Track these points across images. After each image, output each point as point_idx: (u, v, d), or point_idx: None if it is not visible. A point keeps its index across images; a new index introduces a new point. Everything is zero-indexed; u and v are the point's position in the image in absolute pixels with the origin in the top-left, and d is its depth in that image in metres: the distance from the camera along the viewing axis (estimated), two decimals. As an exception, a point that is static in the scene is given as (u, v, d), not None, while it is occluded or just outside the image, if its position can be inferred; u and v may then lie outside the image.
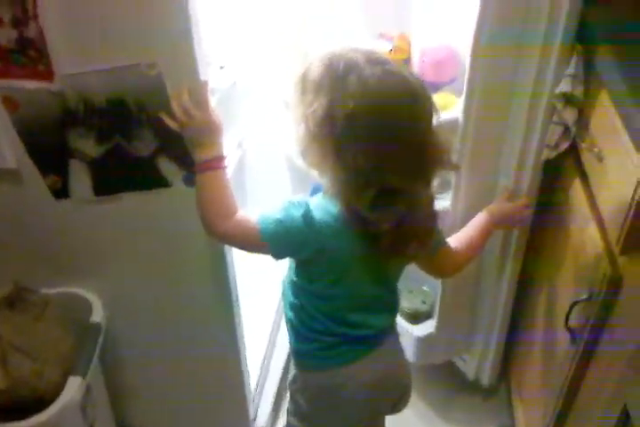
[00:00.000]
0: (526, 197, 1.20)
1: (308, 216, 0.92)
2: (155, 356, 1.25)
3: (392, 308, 1.08)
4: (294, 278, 1.01)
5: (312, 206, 0.93)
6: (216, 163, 0.96)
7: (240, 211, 0.97)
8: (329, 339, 1.01)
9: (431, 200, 0.94)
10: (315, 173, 0.98)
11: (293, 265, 1.02)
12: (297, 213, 0.92)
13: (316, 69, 0.90)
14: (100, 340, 1.10)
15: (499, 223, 1.18)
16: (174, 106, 0.94)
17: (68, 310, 1.11)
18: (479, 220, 1.16)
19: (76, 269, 1.14)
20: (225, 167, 0.98)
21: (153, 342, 1.23)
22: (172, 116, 0.95)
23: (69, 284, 1.15)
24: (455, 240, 1.12)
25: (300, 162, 0.96)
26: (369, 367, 1.03)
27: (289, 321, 1.06)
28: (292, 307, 1.03)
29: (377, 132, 0.87)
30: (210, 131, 0.96)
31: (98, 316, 1.12)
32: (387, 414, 1.19)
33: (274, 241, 0.93)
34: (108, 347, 1.16)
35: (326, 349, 1.02)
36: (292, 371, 1.12)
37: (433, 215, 0.95)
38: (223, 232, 0.96)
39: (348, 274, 0.97)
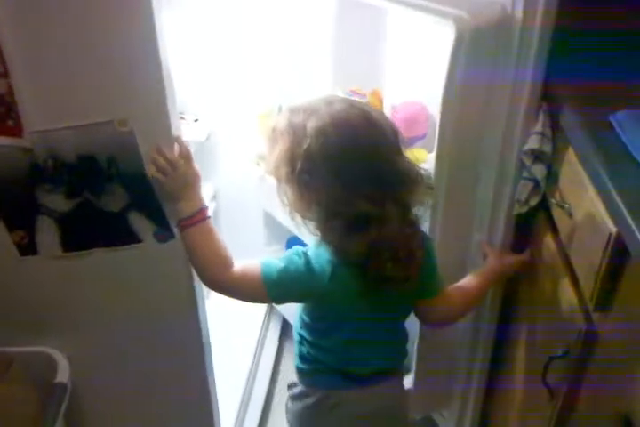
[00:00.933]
0: (529, 252, 1.18)
1: (309, 265, 0.96)
2: (123, 414, 1.21)
3: (396, 349, 1.10)
4: (302, 314, 1.06)
5: (310, 254, 0.98)
6: (202, 215, 0.99)
7: (234, 260, 1.00)
8: (328, 370, 1.05)
9: (405, 222, 0.96)
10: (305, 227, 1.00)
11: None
12: (299, 262, 0.97)
13: (281, 121, 0.97)
14: (66, 400, 1.06)
15: (494, 282, 1.18)
16: (158, 157, 0.95)
17: (32, 369, 1.07)
18: (482, 274, 1.15)
19: (42, 327, 1.11)
20: (210, 217, 1.00)
21: (120, 399, 1.19)
22: (155, 166, 0.96)
23: (34, 342, 1.11)
24: (454, 290, 1.12)
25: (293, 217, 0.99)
26: (360, 402, 1.06)
27: (296, 344, 1.09)
28: (298, 338, 1.08)
29: (334, 163, 0.92)
30: (192, 182, 0.99)
31: (64, 375, 1.08)
32: None
33: (279, 290, 0.97)
34: (73, 405, 1.11)
35: (325, 373, 1.06)
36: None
37: (411, 236, 0.97)
38: (229, 283, 0.98)
39: (348, 315, 1.01)
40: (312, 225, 0.98)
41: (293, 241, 1.01)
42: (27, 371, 1.06)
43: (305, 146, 0.92)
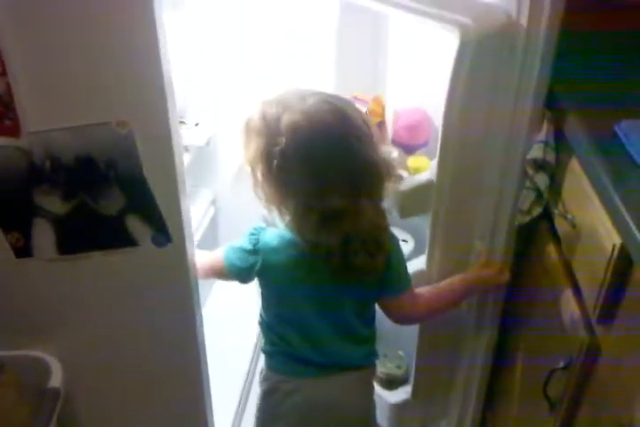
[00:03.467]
0: (502, 263, 1.19)
1: (258, 239, 1.04)
2: (117, 418, 1.19)
3: (357, 345, 1.10)
4: (262, 296, 1.11)
5: (268, 231, 1.04)
6: None
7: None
8: (283, 352, 1.10)
9: (378, 214, 1.00)
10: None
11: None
12: (250, 237, 1.05)
13: (255, 115, 0.99)
14: (59, 405, 1.04)
15: (474, 287, 1.17)
16: None
17: (24, 374, 1.05)
18: (453, 279, 1.17)
19: (35, 331, 1.09)
20: None
21: (115, 404, 1.17)
22: None
23: (27, 346, 1.09)
24: (424, 290, 1.13)
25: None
26: (314, 391, 1.09)
27: (259, 325, 1.14)
28: (260, 319, 1.13)
29: (309, 161, 0.95)
30: None
31: (57, 380, 1.06)
32: None
33: (233, 267, 1.06)
34: (67, 410, 1.09)
35: (282, 356, 1.10)
36: None
37: (381, 228, 1.01)
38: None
39: (298, 301, 1.04)
40: (287, 219, 1.00)
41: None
42: (19, 376, 1.04)
43: (279, 144, 0.94)
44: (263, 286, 1.09)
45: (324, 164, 0.95)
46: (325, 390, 1.10)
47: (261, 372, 1.17)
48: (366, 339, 1.12)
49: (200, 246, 1.29)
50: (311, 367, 1.09)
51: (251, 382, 1.56)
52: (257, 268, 1.04)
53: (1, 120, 0.90)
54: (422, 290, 1.12)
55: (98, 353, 1.11)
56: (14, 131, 0.92)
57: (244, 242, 1.06)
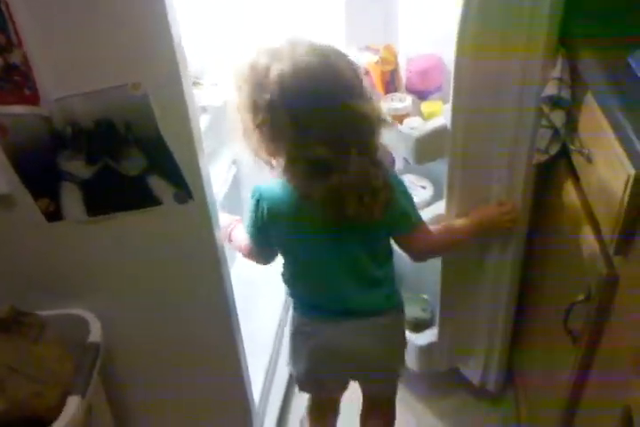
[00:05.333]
0: (511, 202, 1.21)
1: (258, 199, 1.06)
2: (156, 373, 1.25)
3: (374, 289, 1.12)
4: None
5: (265, 185, 1.06)
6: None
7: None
8: (302, 299, 1.16)
9: (371, 165, 0.99)
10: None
11: None
12: (252, 201, 1.07)
13: (245, 65, 1.00)
14: (99, 359, 1.10)
15: (484, 225, 1.20)
16: None
17: (65, 331, 1.10)
18: (464, 218, 1.20)
19: (72, 290, 1.14)
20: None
21: (153, 358, 1.23)
22: None
23: (66, 305, 1.14)
24: (435, 227, 1.15)
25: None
26: (328, 333, 1.13)
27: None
28: (282, 271, 1.17)
29: (295, 112, 0.95)
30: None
31: (96, 336, 1.12)
32: (363, 388, 1.28)
33: (253, 236, 1.11)
34: (108, 366, 1.16)
35: (301, 302, 1.17)
36: None
37: (375, 178, 1.00)
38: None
39: (311, 252, 1.08)
40: (277, 169, 1.02)
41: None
42: (60, 333, 1.09)
43: (267, 95, 0.95)
44: (274, 235, 1.10)
45: (311, 115, 0.95)
46: (342, 335, 1.13)
47: (291, 313, 1.23)
48: (381, 280, 1.13)
49: (223, 205, 1.33)
50: (329, 313, 1.13)
51: (282, 336, 1.61)
52: (264, 218, 1.06)
53: (20, 90, 0.93)
54: (433, 227, 1.15)
55: (133, 309, 1.17)
56: (34, 99, 0.94)
57: (249, 212, 1.08)
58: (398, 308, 1.18)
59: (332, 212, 1.01)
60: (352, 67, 1.00)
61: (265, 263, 1.18)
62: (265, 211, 1.05)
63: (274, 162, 1.04)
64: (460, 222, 1.19)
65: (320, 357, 1.17)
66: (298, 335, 1.19)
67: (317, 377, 1.21)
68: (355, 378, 1.24)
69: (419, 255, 1.16)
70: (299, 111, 0.95)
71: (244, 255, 1.18)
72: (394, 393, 1.30)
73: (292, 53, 0.96)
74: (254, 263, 1.20)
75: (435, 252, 1.18)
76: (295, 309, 1.19)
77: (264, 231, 1.09)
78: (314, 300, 1.15)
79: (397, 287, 1.18)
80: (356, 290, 1.11)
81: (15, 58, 0.90)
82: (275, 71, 0.95)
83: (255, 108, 0.98)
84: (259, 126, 0.99)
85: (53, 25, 0.89)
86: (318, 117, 0.95)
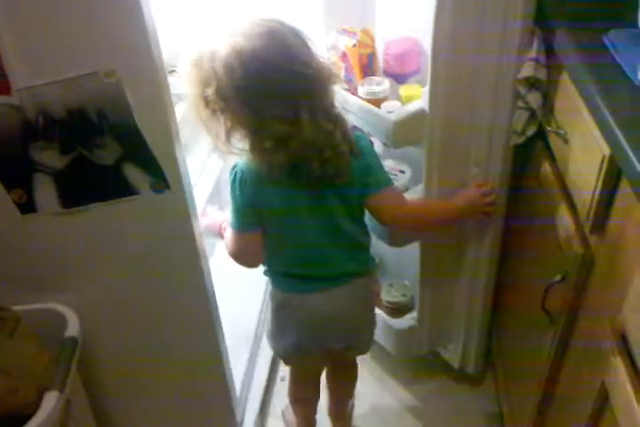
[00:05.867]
0: (489, 184, 1.21)
1: (236, 171, 1.07)
2: (136, 366, 1.23)
3: (353, 252, 1.15)
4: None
5: (240, 163, 1.07)
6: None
7: None
8: (285, 273, 1.17)
9: (326, 122, 1.01)
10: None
11: None
12: (231, 177, 1.08)
13: (191, 62, 1.01)
14: (77, 353, 1.08)
15: (464, 206, 1.20)
16: None
17: (42, 325, 1.07)
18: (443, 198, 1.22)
19: (48, 284, 1.12)
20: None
21: (132, 351, 1.22)
22: None
23: (42, 299, 1.12)
24: (412, 198, 1.18)
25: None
26: (320, 303, 1.15)
27: None
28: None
29: (244, 95, 0.97)
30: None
31: (73, 330, 1.09)
32: (336, 353, 1.28)
33: (237, 219, 1.11)
34: (87, 361, 1.14)
35: (283, 277, 1.17)
36: None
37: (332, 132, 1.02)
38: None
39: (289, 220, 1.09)
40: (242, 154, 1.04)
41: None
42: (37, 327, 1.06)
43: (213, 86, 0.98)
44: (257, 208, 1.11)
45: (257, 93, 0.97)
46: (330, 301, 1.16)
47: (270, 292, 1.23)
48: (363, 245, 1.17)
49: (213, 198, 1.32)
50: (312, 283, 1.15)
51: (262, 326, 1.60)
52: (245, 190, 1.07)
53: (-11, 78, 0.91)
54: (409, 198, 1.17)
55: (110, 302, 1.15)
56: (4, 88, 0.92)
57: (231, 189, 1.09)
58: (373, 274, 1.22)
59: (303, 175, 1.02)
60: (291, 30, 1.00)
61: (253, 260, 1.17)
62: (245, 182, 1.06)
63: (234, 149, 1.05)
64: (438, 200, 1.21)
65: (311, 326, 1.18)
66: (283, 310, 1.19)
67: (307, 348, 1.22)
68: (339, 343, 1.23)
69: (388, 219, 1.15)
70: (246, 94, 0.97)
71: (232, 254, 1.16)
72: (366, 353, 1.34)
73: (230, 40, 0.97)
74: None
75: (406, 221, 1.16)
76: (276, 286, 1.20)
77: (247, 206, 1.09)
78: (298, 271, 1.15)
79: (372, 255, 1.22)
80: (341, 254, 1.14)
81: (-18, 46, 0.88)
82: (219, 62, 0.97)
83: (207, 102, 1.00)
84: (215, 118, 1.02)
85: (22, 11, 0.86)
86: (267, 95, 0.97)
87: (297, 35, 1.00)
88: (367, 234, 1.19)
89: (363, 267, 1.18)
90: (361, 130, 1.26)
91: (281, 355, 1.31)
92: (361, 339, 1.27)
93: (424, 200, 1.22)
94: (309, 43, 1.01)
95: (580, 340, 0.96)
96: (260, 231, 1.12)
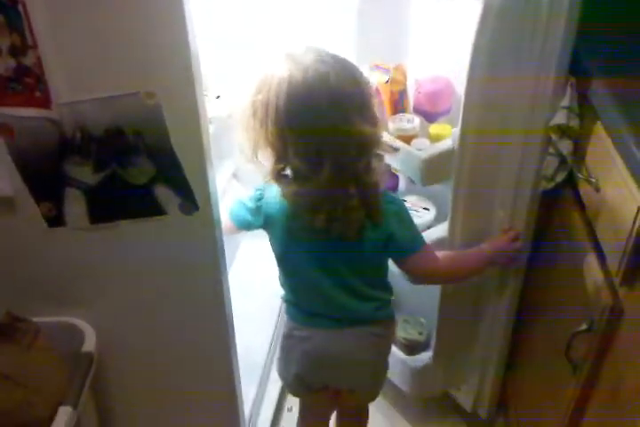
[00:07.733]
0: (516, 230, 1.20)
1: (262, 194, 1.10)
2: (148, 385, 1.23)
3: (367, 303, 1.13)
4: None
5: (273, 187, 1.07)
6: None
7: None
8: (296, 304, 1.17)
9: (354, 183, 1.01)
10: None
11: None
12: (255, 192, 1.12)
13: (248, 105, 1.03)
14: (92, 370, 1.08)
15: (489, 254, 1.19)
16: None
17: (59, 339, 1.08)
18: (472, 248, 1.20)
19: (69, 298, 1.12)
20: None
21: (145, 370, 1.21)
22: None
23: (61, 313, 1.12)
24: (440, 253, 1.14)
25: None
26: (320, 339, 1.15)
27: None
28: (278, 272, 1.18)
29: (283, 124, 0.98)
30: None
31: (90, 345, 1.10)
32: (342, 396, 1.25)
33: (236, 217, 1.14)
34: (100, 375, 1.13)
35: (294, 307, 1.18)
36: None
37: (352, 196, 1.01)
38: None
39: (298, 252, 1.09)
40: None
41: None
42: (54, 341, 1.07)
43: (262, 95, 0.99)
44: (270, 240, 1.13)
45: (295, 128, 0.98)
46: (335, 341, 1.14)
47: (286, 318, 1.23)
48: (372, 298, 1.14)
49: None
50: (322, 319, 1.14)
51: (274, 351, 1.60)
52: (260, 222, 1.10)
53: (32, 92, 0.92)
54: (440, 253, 1.14)
55: (130, 319, 1.15)
56: (45, 102, 0.93)
57: (248, 195, 1.13)
58: (388, 324, 1.19)
59: (307, 221, 1.02)
60: (360, 83, 1.00)
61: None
62: (263, 214, 1.10)
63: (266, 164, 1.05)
64: (469, 252, 1.19)
65: (310, 361, 1.17)
66: (290, 339, 1.20)
67: (308, 381, 1.21)
68: (341, 384, 1.22)
69: (423, 281, 1.16)
70: (285, 123, 0.97)
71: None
72: (373, 401, 1.30)
73: (293, 63, 0.98)
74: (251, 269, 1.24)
75: (437, 278, 1.17)
76: (288, 313, 1.20)
77: (250, 223, 1.13)
78: (306, 306, 1.16)
79: (389, 299, 1.18)
80: (345, 301, 1.12)
81: (28, 60, 0.90)
82: (275, 75, 0.98)
83: (254, 103, 1.00)
84: (254, 122, 1.01)
85: (70, 28, 0.88)
86: (303, 134, 0.98)
87: (363, 87, 1.00)
88: (383, 288, 1.16)
89: (373, 314, 1.15)
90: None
91: (285, 383, 1.29)
92: (363, 384, 1.23)
93: (455, 254, 1.19)
94: (372, 99, 1.01)
95: (604, 393, 0.94)
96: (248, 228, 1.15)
